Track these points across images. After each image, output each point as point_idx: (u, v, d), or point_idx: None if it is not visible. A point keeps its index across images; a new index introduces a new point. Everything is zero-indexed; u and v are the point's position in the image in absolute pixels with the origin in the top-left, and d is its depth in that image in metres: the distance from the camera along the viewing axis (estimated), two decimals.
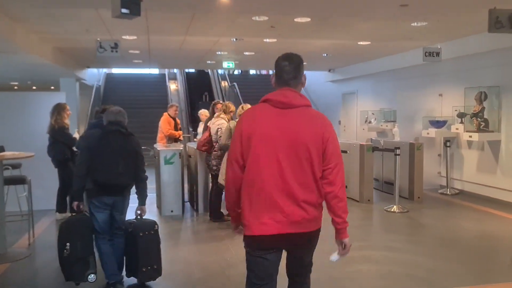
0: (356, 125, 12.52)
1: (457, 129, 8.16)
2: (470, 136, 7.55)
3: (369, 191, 7.65)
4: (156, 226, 4.08)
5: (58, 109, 6.46)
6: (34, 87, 15.90)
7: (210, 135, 6.29)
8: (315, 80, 15.57)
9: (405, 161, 7.81)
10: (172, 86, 18.82)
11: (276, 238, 2.32)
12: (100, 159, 3.81)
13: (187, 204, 7.64)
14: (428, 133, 8.64)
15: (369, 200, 7.61)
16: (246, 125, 2.41)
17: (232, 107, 6.49)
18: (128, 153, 3.90)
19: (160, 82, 18.99)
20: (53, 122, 6.38)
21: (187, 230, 6.32)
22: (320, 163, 2.36)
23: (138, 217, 4.07)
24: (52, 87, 15.36)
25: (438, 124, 8.60)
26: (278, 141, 2.32)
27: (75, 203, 3.92)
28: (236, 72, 20.90)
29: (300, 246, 2.45)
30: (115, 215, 3.96)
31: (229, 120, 6.34)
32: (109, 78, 19.29)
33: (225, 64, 10.83)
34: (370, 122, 11.38)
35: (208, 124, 6.50)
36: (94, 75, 15.62)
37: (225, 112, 6.38)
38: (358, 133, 12.20)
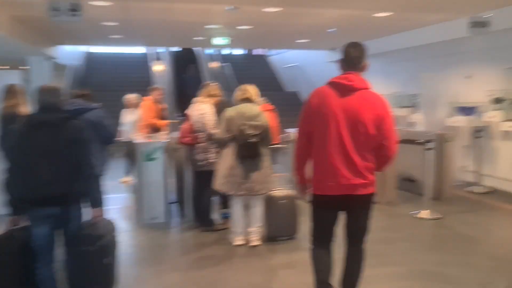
0: None
1: (491, 117, 6.94)
2: (511, 126, 6.33)
3: (392, 191, 6.42)
4: (102, 239, 3.16)
5: (13, 92, 5.06)
6: (1, 67, 14.25)
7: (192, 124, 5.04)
8: (315, 60, 14.23)
9: (431, 155, 6.58)
10: (159, 67, 17.32)
11: (337, 198, 2.83)
12: (18, 167, 2.95)
13: (174, 207, 6.35)
14: (455, 121, 7.42)
15: (390, 202, 6.39)
16: (314, 104, 2.85)
17: (216, 89, 5.20)
18: (60, 151, 2.97)
19: (145, 63, 17.46)
20: (5, 109, 4.99)
21: (171, 247, 5.00)
22: (376, 137, 2.81)
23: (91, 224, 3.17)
24: (23, 67, 13.75)
25: (467, 111, 7.38)
26: (341, 119, 2.77)
27: (10, 218, 3.09)
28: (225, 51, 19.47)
29: (356, 207, 2.92)
30: (62, 227, 3.09)
31: (215, 105, 5.06)
32: (90, 57, 17.66)
33: (217, 41, 9.41)
34: None
35: (188, 112, 5.19)
36: (70, 53, 14.03)
37: (208, 95, 5.11)
38: None
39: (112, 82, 15.56)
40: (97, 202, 3.15)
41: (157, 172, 5.54)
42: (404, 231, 5.28)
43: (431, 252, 4.56)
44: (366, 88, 2.87)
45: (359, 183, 2.82)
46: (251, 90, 4.71)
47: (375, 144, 2.84)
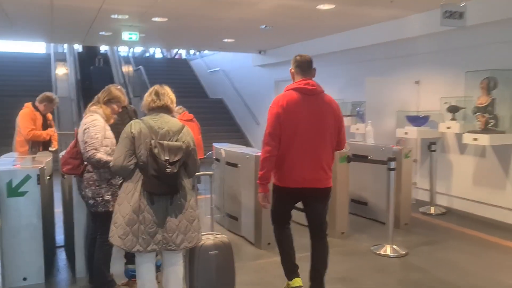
0: None
1: (448, 128, 6.09)
2: (475, 139, 5.48)
3: (343, 220, 5.26)
4: None
5: None
6: None
7: (77, 143, 3.48)
8: (240, 64, 13.01)
9: (385, 173, 5.57)
10: (61, 70, 14.96)
11: (302, 190, 3.24)
12: None
13: (61, 254, 4.66)
14: (406, 133, 6.50)
15: (343, 233, 5.23)
16: (283, 108, 3.16)
17: (118, 93, 3.68)
18: None
19: (47, 64, 15.01)
20: None
21: None
22: (336, 135, 3.30)
23: None
24: None
25: (419, 120, 6.50)
26: (307, 120, 3.16)
27: None
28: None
29: (318, 198, 3.32)
30: None
31: (108, 116, 3.59)
32: None
33: (126, 36, 7.75)
34: None
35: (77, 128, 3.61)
36: None
37: (100, 101, 3.60)
38: None
39: (2, 86, 13.06)
40: None
41: (28, 212, 3.82)
42: (369, 280, 4.06)
43: None
44: (323, 91, 3.28)
45: (322, 177, 3.21)
46: (170, 94, 3.23)
47: (335, 142, 3.29)
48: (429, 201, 6.44)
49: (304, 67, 3.28)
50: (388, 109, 6.85)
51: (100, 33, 8.49)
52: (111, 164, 3.08)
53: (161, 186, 2.94)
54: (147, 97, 3.17)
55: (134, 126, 3.02)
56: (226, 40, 9.41)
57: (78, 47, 16.39)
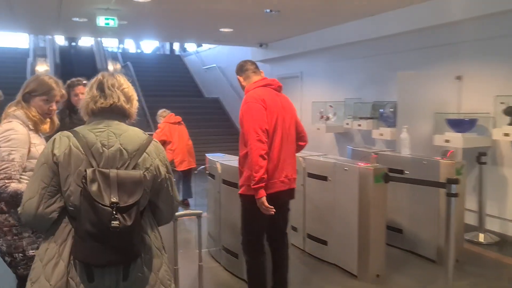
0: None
1: (506, 134, 4.80)
2: None
3: (379, 258, 3.94)
4: None
5: None
6: None
7: None
8: (239, 60, 11.58)
9: (429, 194, 4.30)
10: (42, 67, 13.61)
11: (287, 192, 3.04)
12: None
13: None
14: (447, 140, 5.21)
15: (378, 276, 3.93)
16: (265, 104, 2.94)
17: (45, 81, 2.42)
18: None
19: (25, 60, 13.70)
20: None
21: None
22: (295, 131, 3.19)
23: None
24: None
25: (464, 125, 5.21)
26: (282, 117, 3.02)
27: None
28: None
29: (288, 200, 3.18)
30: None
31: (35, 121, 2.36)
32: None
33: (102, 21, 6.42)
34: (327, 118, 7.80)
35: None
36: None
37: (24, 100, 2.36)
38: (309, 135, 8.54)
39: None
40: None
41: None
42: None
43: None
44: None
45: (296, 177, 3.14)
46: (125, 86, 1.89)
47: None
48: (477, 225, 5.15)
49: (254, 67, 3.19)
50: (422, 110, 5.55)
51: (73, 19, 7.16)
52: (19, 210, 1.74)
53: (105, 252, 1.62)
54: (87, 92, 1.85)
55: (60, 143, 1.70)
56: (223, 29, 8.10)
57: (63, 43, 15.18)
